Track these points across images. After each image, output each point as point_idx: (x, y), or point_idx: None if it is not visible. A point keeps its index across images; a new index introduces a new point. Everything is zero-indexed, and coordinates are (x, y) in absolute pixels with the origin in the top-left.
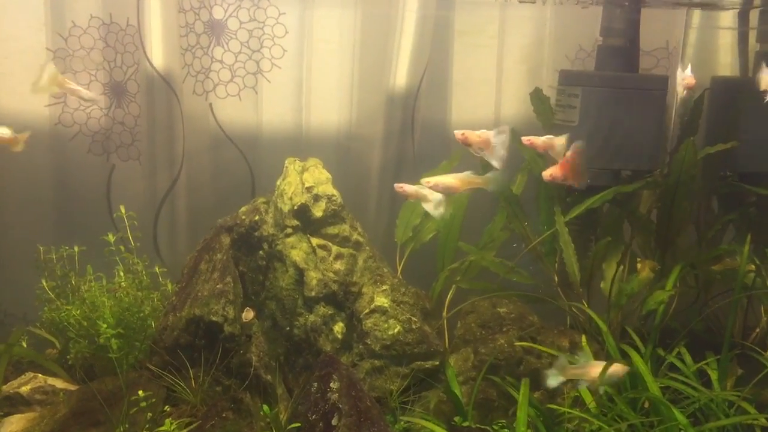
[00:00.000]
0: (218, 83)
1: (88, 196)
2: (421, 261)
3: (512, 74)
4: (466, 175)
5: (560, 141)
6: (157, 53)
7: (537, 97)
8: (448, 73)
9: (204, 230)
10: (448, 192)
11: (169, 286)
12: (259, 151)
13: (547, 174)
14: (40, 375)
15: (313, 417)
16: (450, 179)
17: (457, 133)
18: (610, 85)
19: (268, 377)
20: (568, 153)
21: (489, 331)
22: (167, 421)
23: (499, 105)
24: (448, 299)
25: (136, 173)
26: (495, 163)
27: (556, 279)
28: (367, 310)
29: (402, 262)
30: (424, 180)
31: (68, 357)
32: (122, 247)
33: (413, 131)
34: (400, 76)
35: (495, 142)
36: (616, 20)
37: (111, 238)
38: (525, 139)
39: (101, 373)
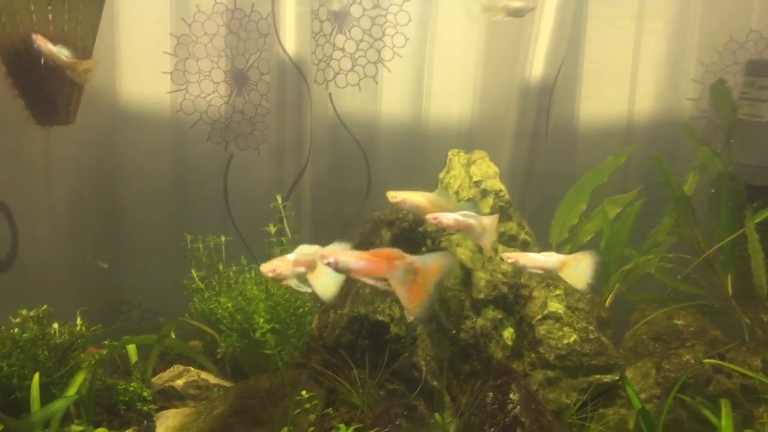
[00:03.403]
0: (338, 72)
1: (205, 185)
2: None
3: (650, 65)
4: (436, 197)
5: (487, 222)
6: (290, 39)
7: (718, 90)
8: (578, 62)
9: (324, 222)
10: (415, 211)
11: None
12: (376, 143)
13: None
14: (192, 368)
15: (492, 430)
16: (419, 198)
17: (506, 255)
18: None
19: (435, 383)
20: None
21: (664, 345)
22: (342, 425)
23: (633, 99)
24: (607, 306)
25: (254, 163)
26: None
27: (729, 290)
28: (539, 316)
29: None
30: (390, 194)
31: (217, 351)
32: (283, 239)
33: (547, 126)
34: (537, 66)
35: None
36: None
37: (272, 228)
38: (431, 217)
39: (252, 369)
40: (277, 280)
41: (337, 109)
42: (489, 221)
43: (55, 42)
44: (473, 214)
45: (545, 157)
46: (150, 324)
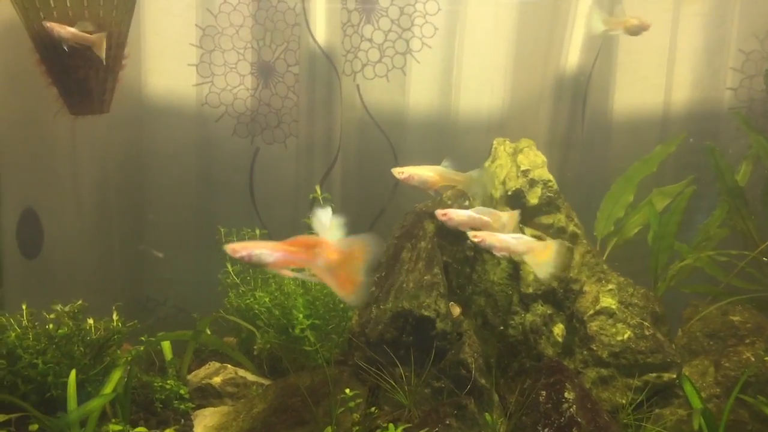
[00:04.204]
0: (366, 63)
1: (231, 180)
2: (624, 258)
3: (687, 53)
4: (445, 170)
5: (506, 219)
6: (320, 29)
7: None
8: (613, 50)
9: (354, 215)
10: (423, 186)
11: None
12: (404, 136)
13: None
14: (229, 366)
15: (546, 430)
16: (427, 172)
17: (472, 234)
18: None
19: (483, 381)
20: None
21: (720, 342)
22: (390, 425)
23: (669, 89)
24: None
25: (281, 157)
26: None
27: None
28: (591, 312)
29: (603, 259)
30: (396, 170)
31: (254, 348)
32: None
33: (584, 116)
34: (573, 54)
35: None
36: None
37: (311, 221)
38: (440, 213)
39: (290, 366)
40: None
41: (365, 102)
42: (508, 218)
43: (73, 24)
44: (490, 210)
45: (581, 149)
46: (176, 321)
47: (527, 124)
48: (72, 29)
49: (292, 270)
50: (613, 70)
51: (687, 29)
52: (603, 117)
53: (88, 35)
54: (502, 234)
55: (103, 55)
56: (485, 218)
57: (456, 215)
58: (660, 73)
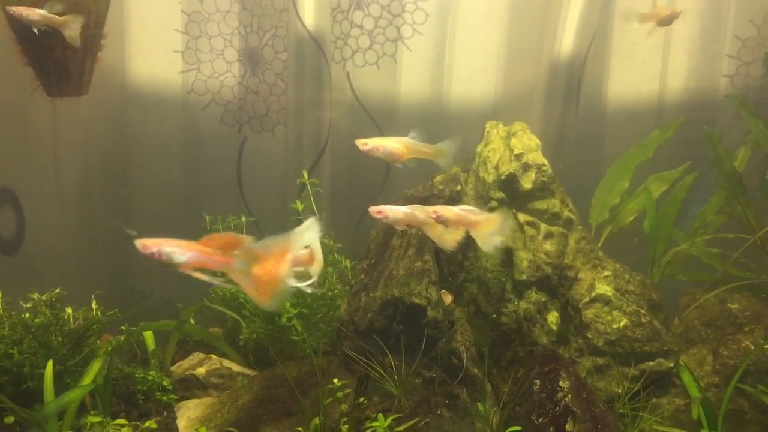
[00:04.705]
0: (356, 50)
1: (218, 169)
2: (619, 245)
3: (683, 40)
4: (412, 142)
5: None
6: (309, 14)
7: None
8: (608, 38)
9: (345, 204)
10: (389, 159)
11: (345, 263)
12: (396, 124)
13: None
14: (214, 356)
15: (540, 420)
16: (393, 143)
17: (429, 210)
18: None
19: (475, 371)
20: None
21: (718, 331)
22: (380, 415)
23: (665, 76)
24: None
25: (269, 146)
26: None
27: None
28: (586, 299)
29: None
30: (359, 141)
31: (239, 338)
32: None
33: (578, 103)
34: (567, 40)
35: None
36: None
37: (299, 206)
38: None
39: (277, 357)
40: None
41: (355, 89)
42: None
43: (41, 5)
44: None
45: (575, 136)
46: (162, 313)
47: (520, 112)
48: (41, 11)
49: (208, 273)
50: (607, 57)
51: (682, 15)
52: (597, 104)
53: (59, 17)
54: (454, 207)
55: (76, 38)
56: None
57: (392, 212)
58: (655, 60)
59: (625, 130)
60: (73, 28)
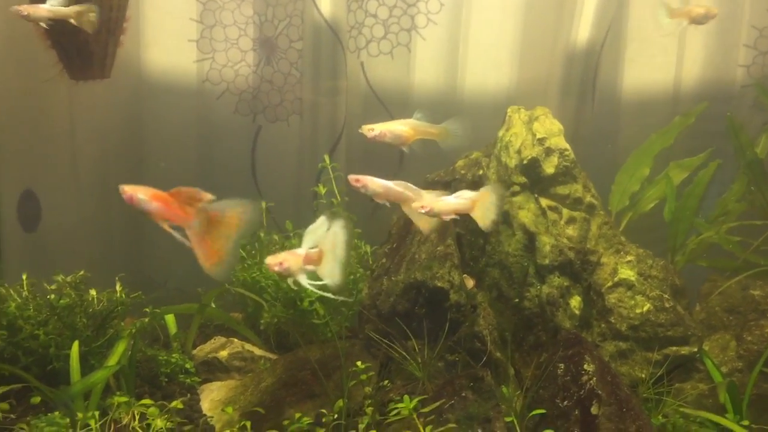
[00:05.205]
0: (371, 40)
1: (232, 158)
2: (637, 232)
3: (698, 29)
4: (418, 122)
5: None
6: (326, 2)
7: None
8: (624, 25)
9: (359, 195)
10: (397, 142)
11: (365, 248)
12: (409, 114)
13: None
14: (236, 340)
15: (565, 403)
16: (399, 126)
17: (418, 205)
18: None
19: (498, 354)
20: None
21: (740, 317)
22: (405, 397)
23: (680, 66)
24: None
25: (283, 135)
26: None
27: None
28: (609, 284)
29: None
30: (366, 127)
31: (260, 322)
32: (333, 200)
33: (594, 92)
34: (583, 28)
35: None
36: None
37: (321, 189)
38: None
39: (299, 340)
40: (284, 275)
41: (369, 79)
42: (432, 198)
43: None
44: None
45: (591, 126)
46: (178, 301)
47: (535, 102)
48: (46, 6)
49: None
50: (623, 46)
51: (698, 5)
52: (612, 95)
53: (67, 9)
54: (444, 198)
55: (89, 28)
56: (400, 189)
57: (371, 183)
58: (671, 50)
59: (640, 121)
60: (86, 21)
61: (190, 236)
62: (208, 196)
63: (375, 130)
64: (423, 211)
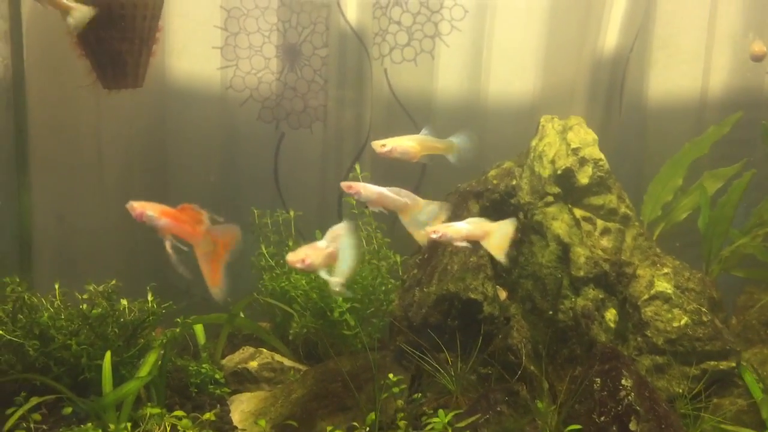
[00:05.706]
0: (394, 47)
1: (255, 165)
2: (669, 242)
3: (726, 36)
4: (425, 138)
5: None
6: (351, 9)
7: None
8: (651, 32)
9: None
10: (406, 157)
11: (395, 258)
12: (433, 122)
13: None
14: (264, 350)
15: (602, 419)
16: (408, 142)
17: (430, 230)
18: None
19: (532, 368)
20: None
21: None
22: (440, 411)
23: (707, 73)
24: None
25: (307, 142)
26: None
27: None
28: (645, 296)
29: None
30: (377, 143)
31: (289, 332)
32: (365, 210)
33: (621, 99)
34: (611, 35)
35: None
36: None
37: (353, 200)
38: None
39: (328, 351)
40: (308, 271)
41: (393, 86)
42: (433, 207)
43: None
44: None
45: (617, 133)
46: (203, 310)
47: (560, 110)
48: None
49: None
50: (649, 53)
51: (726, 12)
52: (639, 102)
53: (66, 2)
54: (456, 223)
55: (73, 28)
56: (394, 196)
57: (365, 190)
58: (698, 57)
59: (667, 129)
60: (76, 17)
61: (198, 255)
62: (205, 218)
63: (387, 146)
64: (435, 236)
